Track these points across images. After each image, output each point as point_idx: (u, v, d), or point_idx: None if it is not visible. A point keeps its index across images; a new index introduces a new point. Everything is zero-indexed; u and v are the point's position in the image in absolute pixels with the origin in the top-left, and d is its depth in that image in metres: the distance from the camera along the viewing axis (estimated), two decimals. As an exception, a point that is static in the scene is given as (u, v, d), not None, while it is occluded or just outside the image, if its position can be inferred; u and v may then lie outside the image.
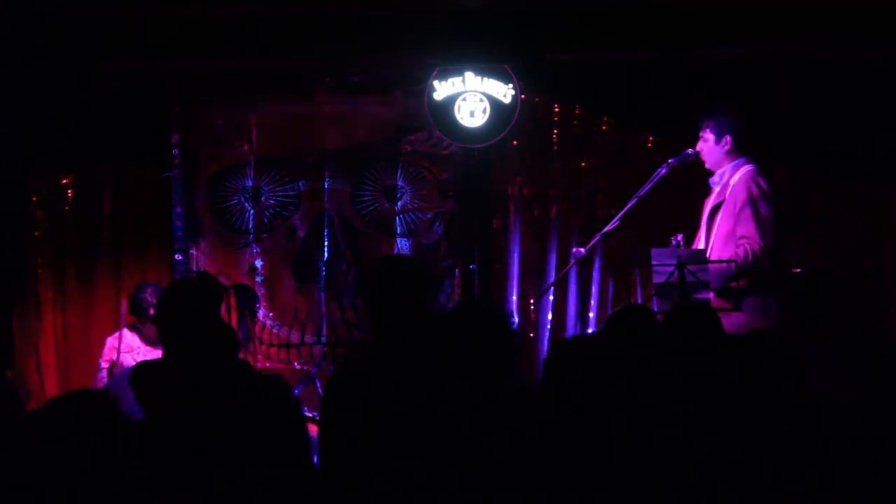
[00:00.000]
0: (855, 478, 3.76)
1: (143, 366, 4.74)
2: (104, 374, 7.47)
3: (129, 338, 7.56)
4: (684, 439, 3.68)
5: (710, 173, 6.85)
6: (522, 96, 7.97)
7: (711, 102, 7.00)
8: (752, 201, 6.52)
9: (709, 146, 6.79)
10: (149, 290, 7.45)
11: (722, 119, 6.79)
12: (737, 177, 6.68)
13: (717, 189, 6.82)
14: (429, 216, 8.32)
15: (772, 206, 6.55)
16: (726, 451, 3.67)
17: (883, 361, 4.75)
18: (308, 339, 8.31)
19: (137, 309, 7.50)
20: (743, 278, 6.38)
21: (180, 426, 4.02)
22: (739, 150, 6.76)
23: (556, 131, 8.23)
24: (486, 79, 7.96)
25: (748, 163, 6.73)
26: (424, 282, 4.47)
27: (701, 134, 6.84)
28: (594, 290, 8.13)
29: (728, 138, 6.74)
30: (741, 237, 6.45)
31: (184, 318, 4.77)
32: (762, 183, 6.59)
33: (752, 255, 6.38)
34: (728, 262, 6.32)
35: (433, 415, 3.84)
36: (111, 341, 7.58)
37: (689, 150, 6.78)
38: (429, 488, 3.65)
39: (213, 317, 4.77)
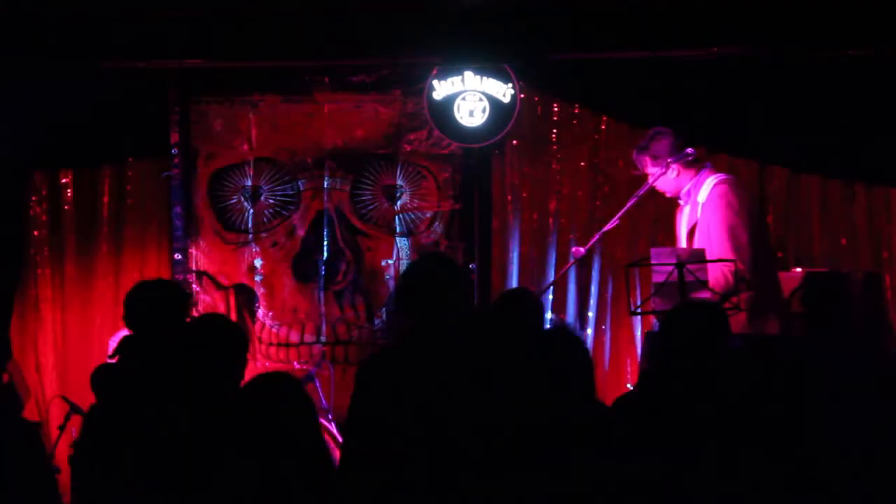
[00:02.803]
0: (853, 480, 3.77)
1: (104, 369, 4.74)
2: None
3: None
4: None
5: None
6: (522, 95, 7.98)
7: (645, 136, 6.79)
8: (725, 222, 6.36)
9: (661, 180, 6.65)
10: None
11: (657, 148, 6.68)
12: (703, 193, 6.53)
13: (686, 207, 6.69)
14: (428, 215, 8.32)
15: (745, 220, 6.40)
16: (726, 454, 3.68)
17: (883, 363, 4.76)
18: (307, 338, 8.31)
19: None
20: (727, 300, 6.26)
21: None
22: (691, 167, 6.64)
23: (555, 130, 8.22)
24: (485, 78, 7.97)
25: (710, 173, 6.61)
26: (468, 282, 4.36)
27: (644, 170, 6.73)
28: (593, 289, 8.12)
29: (674, 165, 6.59)
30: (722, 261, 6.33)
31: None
32: (731, 198, 6.43)
33: (732, 279, 6.27)
34: (728, 260, 6.28)
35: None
36: (112, 342, 7.56)
37: (689, 150, 6.68)
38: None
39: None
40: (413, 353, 4.03)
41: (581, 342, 4.21)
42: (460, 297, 4.09)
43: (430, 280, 4.11)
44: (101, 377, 4.56)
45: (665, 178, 6.62)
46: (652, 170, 6.67)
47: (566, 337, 4.24)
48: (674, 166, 6.61)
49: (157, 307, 4.84)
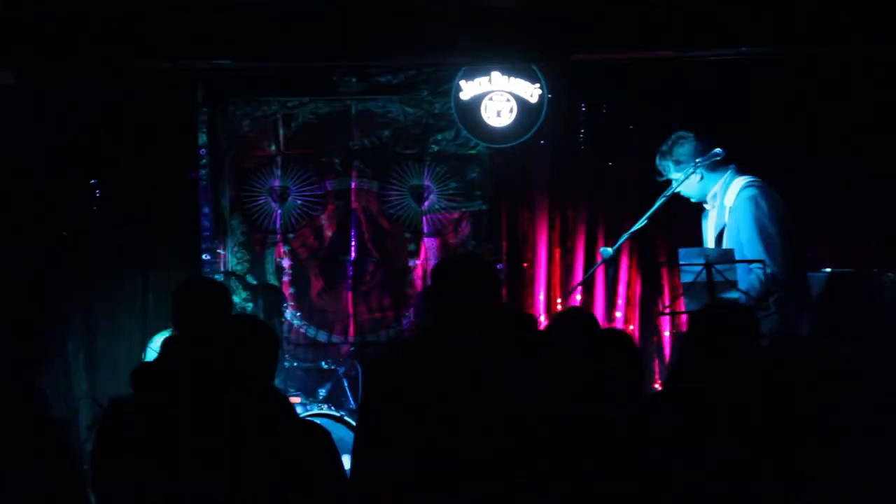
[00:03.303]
0: (878, 477, 3.74)
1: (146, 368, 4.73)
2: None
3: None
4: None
5: None
6: (549, 96, 7.96)
7: (666, 141, 6.71)
8: (755, 224, 6.27)
9: (685, 184, 6.56)
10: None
11: (679, 152, 6.60)
12: (730, 196, 6.41)
13: (713, 211, 6.59)
14: (456, 216, 8.32)
15: (776, 222, 6.30)
16: (751, 453, 3.67)
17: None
18: (335, 338, 8.32)
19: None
20: (761, 303, 6.22)
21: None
22: (717, 169, 6.53)
23: (582, 130, 8.21)
24: (512, 78, 7.96)
25: (735, 175, 6.49)
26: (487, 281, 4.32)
27: (667, 175, 6.62)
28: (621, 289, 8.10)
29: (699, 169, 6.50)
30: (751, 262, 6.29)
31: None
32: (760, 201, 6.33)
33: (766, 280, 6.21)
34: (756, 261, 6.22)
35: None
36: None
37: (718, 149, 6.60)
38: None
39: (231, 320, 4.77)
40: (416, 352, 4.07)
41: (629, 342, 4.21)
42: (479, 297, 4.09)
43: (444, 281, 4.14)
44: (142, 376, 4.57)
45: (690, 182, 6.53)
46: (675, 175, 6.58)
47: (615, 338, 4.25)
48: (697, 170, 6.53)
49: (205, 306, 4.87)
